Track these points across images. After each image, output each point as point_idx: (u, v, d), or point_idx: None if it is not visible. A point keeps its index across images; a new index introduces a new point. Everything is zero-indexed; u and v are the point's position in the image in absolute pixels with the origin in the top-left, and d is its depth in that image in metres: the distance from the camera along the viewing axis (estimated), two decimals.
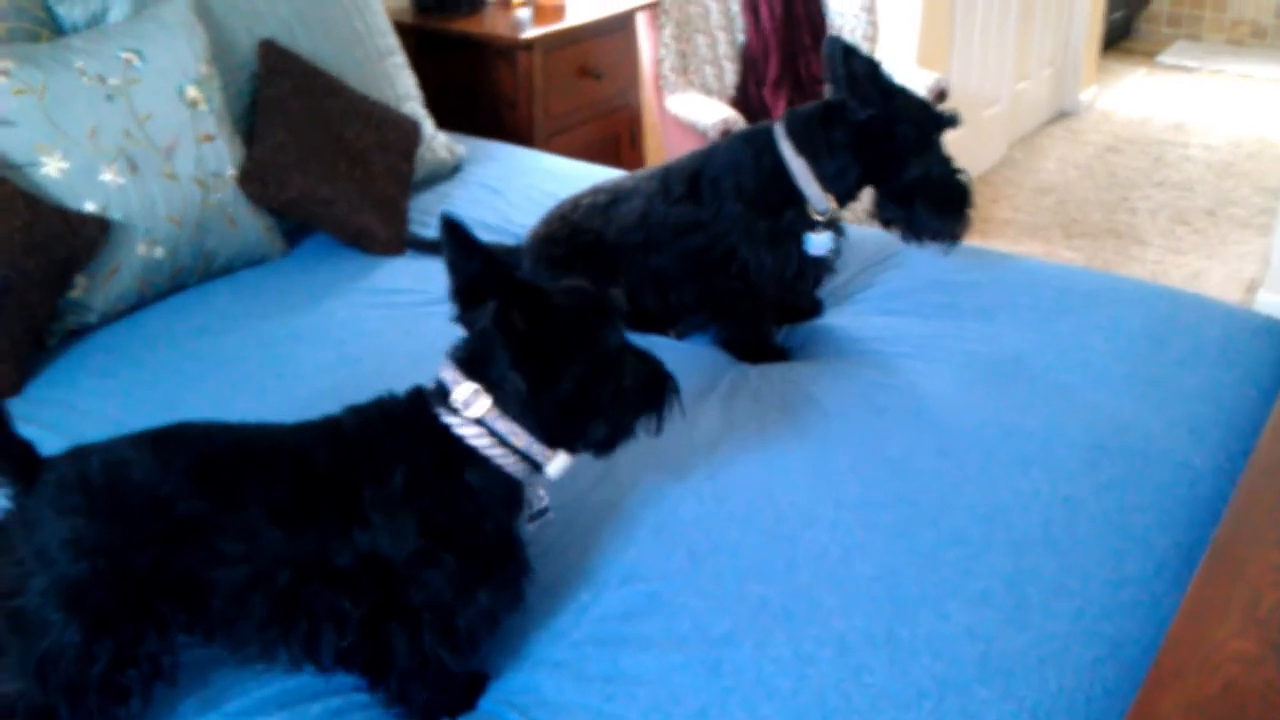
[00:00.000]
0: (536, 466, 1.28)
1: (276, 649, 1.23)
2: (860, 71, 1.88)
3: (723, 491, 1.56)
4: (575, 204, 2.12)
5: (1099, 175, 4.88)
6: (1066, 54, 5.52)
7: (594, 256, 2.04)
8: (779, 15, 3.61)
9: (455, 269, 1.24)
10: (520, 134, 3.13)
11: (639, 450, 1.41)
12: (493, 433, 1.23)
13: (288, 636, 1.22)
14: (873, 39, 3.67)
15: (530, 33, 3.08)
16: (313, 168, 2.30)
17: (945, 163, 1.97)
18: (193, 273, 2.17)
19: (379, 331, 2.00)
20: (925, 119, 1.94)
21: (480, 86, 3.18)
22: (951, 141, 1.98)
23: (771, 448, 1.66)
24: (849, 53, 1.89)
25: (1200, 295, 2.22)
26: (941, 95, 3.52)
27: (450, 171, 2.72)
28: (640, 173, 2.16)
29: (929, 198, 1.95)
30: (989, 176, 4.79)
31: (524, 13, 3.26)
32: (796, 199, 1.96)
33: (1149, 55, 6.57)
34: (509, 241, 2.24)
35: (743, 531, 1.49)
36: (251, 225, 2.23)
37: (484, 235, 2.29)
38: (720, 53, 3.59)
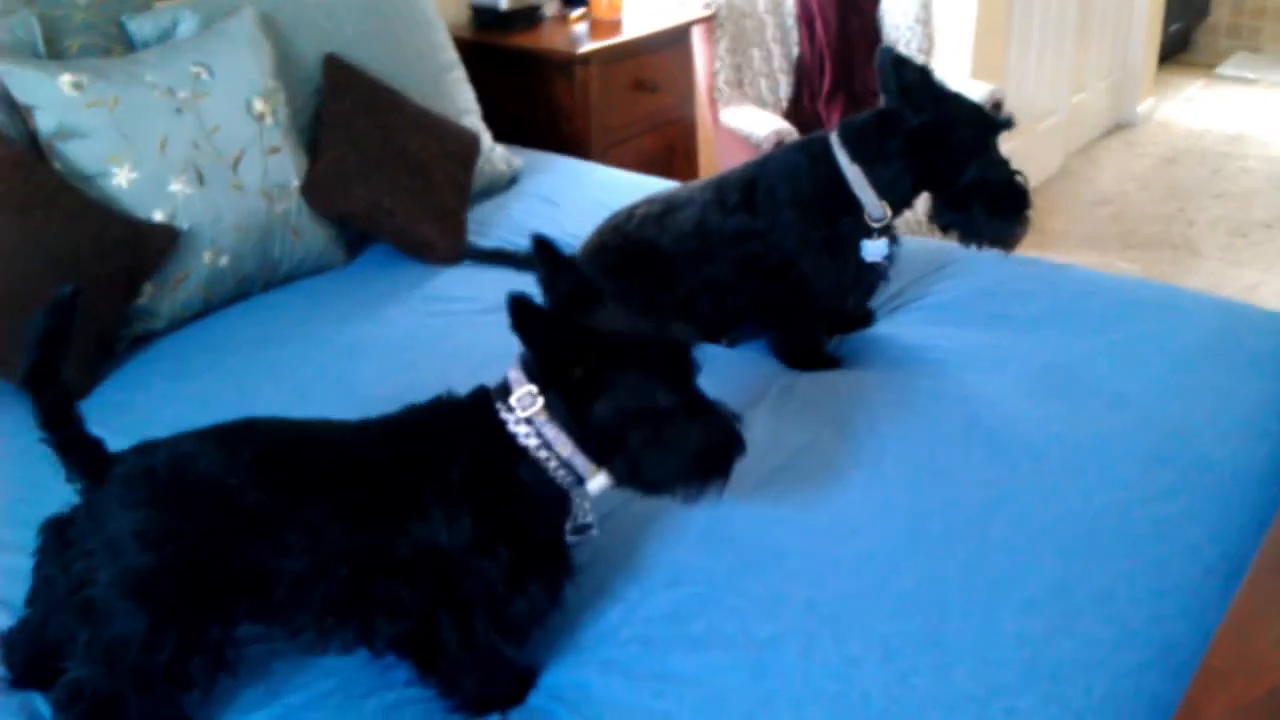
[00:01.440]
0: (579, 478, 1.30)
1: (333, 635, 1.27)
2: (912, 79, 1.90)
3: (771, 496, 1.58)
4: (630, 214, 2.15)
5: (1156, 187, 4.84)
6: (1124, 66, 5.48)
7: (648, 265, 2.07)
8: (833, 29, 3.63)
9: (548, 287, 1.30)
10: (577, 147, 3.17)
11: None
12: (540, 435, 1.27)
13: (344, 624, 1.26)
14: (928, 51, 3.67)
15: (587, 47, 3.12)
16: (374, 179, 2.35)
17: (1002, 165, 1.98)
18: (257, 281, 2.23)
19: (436, 339, 2.04)
20: (979, 122, 1.95)
21: (538, 100, 3.23)
22: (1008, 152, 1.99)
23: (821, 455, 1.68)
24: (900, 62, 1.91)
25: (1256, 306, 2.21)
26: (997, 106, 3.52)
27: (508, 183, 2.77)
28: (695, 183, 2.19)
29: (986, 200, 1.96)
30: (1045, 188, 4.77)
31: (581, 28, 3.30)
32: (852, 207, 1.98)
33: (1208, 67, 6.50)
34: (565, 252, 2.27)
35: (791, 536, 1.51)
36: (315, 235, 2.29)
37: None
38: (775, 66, 3.61)
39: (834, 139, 1.99)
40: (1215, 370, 1.90)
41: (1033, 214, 1.99)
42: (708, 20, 3.39)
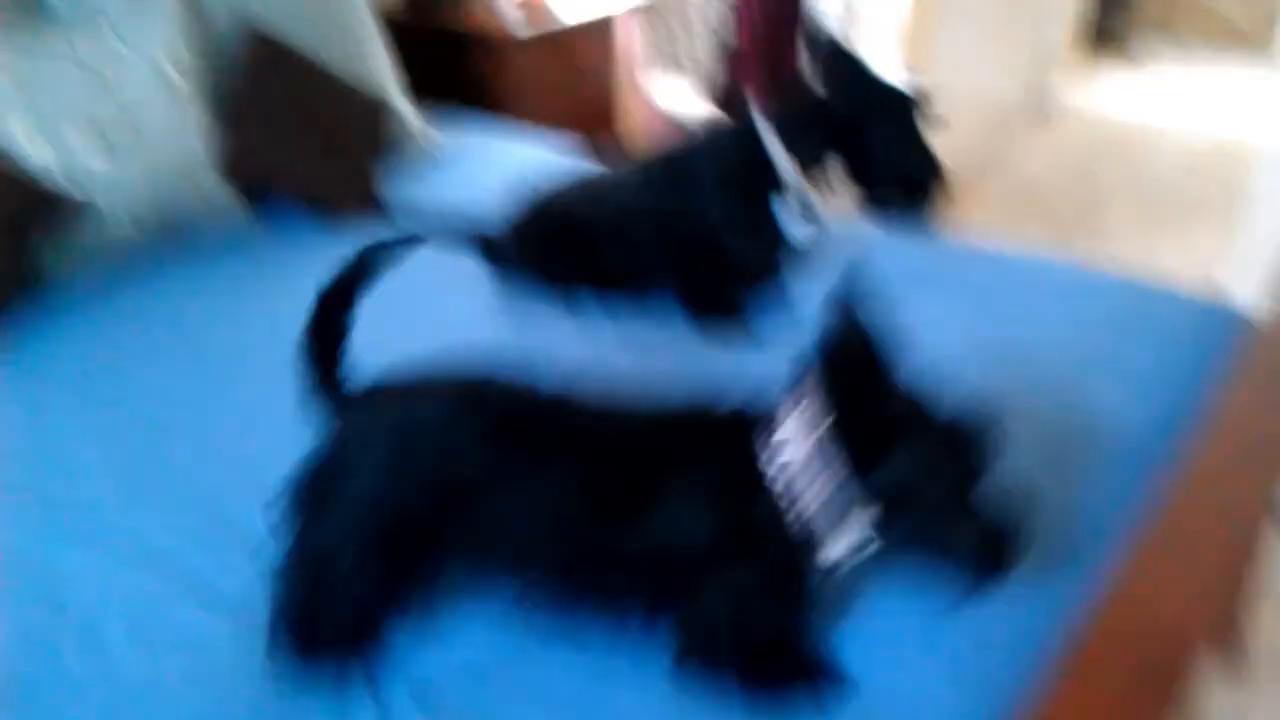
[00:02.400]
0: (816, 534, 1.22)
1: (554, 609, 1.27)
2: (833, 63, 1.95)
3: None
4: (555, 193, 2.17)
5: (1074, 174, 4.96)
6: (1047, 53, 5.59)
7: (571, 243, 2.09)
8: (763, 14, 3.68)
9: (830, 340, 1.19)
10: (497, 110, 3.19)
11: None
12: (789, 487, 1.20)
13: (567, 605, 1.25)
14: (854, 36, 3.74)
15: (519, 29, 3.14)
16: (289, 148, 2.38)
17: (922, 149, 2.01)
18: (167, 250, 2.23)
19: None
20: (902, 107, 1.99)
21: (467, 81, 3.24)
22: (930, 138, 2.03)
23: None
24: (823, 45, 1.95)
25: (1165, 286, 2.28)
26: (922, 92, 3.59)
27: (430, 157, 2.78)
28: (621, 162, 2.22)
29: (905, 183, 2.00)
30: (966, 173, 4.84)
31: (513, 10, 3.32)
32: (777, 187, 2.01)
33: (1128, 56, 6.65)
34: (486, 230, 2.28)
35: None
36: (227, 204, 2.30)
37: (461, 223, 2.36)
38: (704, 50, 3.66)
39: (760, 120, 2.03)
40: (1120, 346, 1.96)
41: (951, 198, 2.03)
42: (639, 5, 3.42)
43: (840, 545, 1.21)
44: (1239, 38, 6.68)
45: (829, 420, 1.16)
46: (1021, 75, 5.42)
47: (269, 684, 1.26)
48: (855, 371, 1.16)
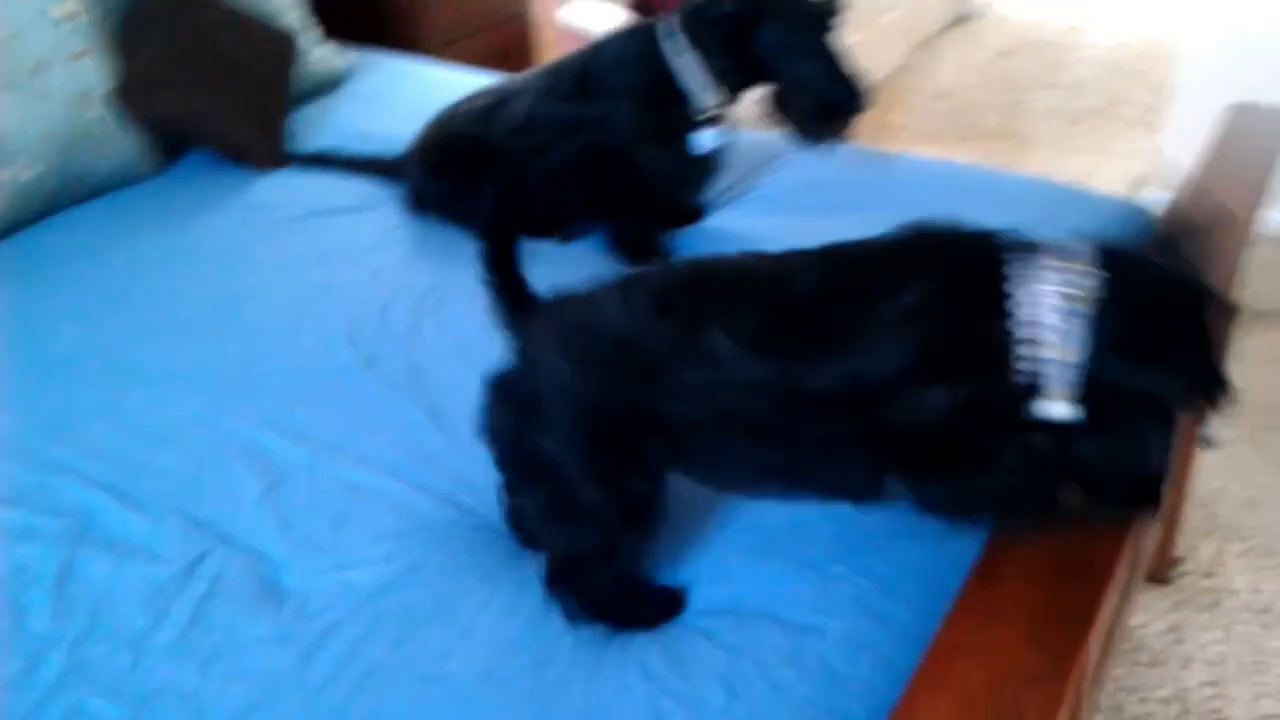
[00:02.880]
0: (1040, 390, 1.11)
1: (768, 479, 1.22)
2: None
3: None
4: (456, 109, 2.10)
5: (994, 78, 4.93)
6: None
7: (477, 161, 2.03)
8: None
9: None
10: (410, 45, 3.08)
11: None
12: (1055, 330, 1.07)
13: (773, 465, 1.19)
14: None
15: None
16: (189, 82, 2.26)
17: (831, 61, 1.92)
18: (67, 193, 2.12)
19: (257, 245, 1.99)
20: (806, 14, 1.89)
21: (378, 17, 3.13)
22: (849, 46, 1.95)
23: None
24: None
25: (1083, 189, 2.26)
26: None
27: (335, 84, 2.68)
28: (524, 74, 2.14)
29: (814, 95, 1.92)
30: (887, 82, 4.81)
31: None
32: (682, 96, 1.95)
33: None
34: (391, 154, 2.21)
35: None
36: (127, 143, 2.20)
37: (368, 148, 2.29)
38: None
39: (662, 27, 1.95)
40: None
41: (862, 115, 1.95)
42: None
43: (1059, 408, 1.09)
44: None
45: (1103, 295, 1.07)
46: None
47: None
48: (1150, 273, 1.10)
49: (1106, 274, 1.08)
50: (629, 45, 1.99)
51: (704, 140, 1.99)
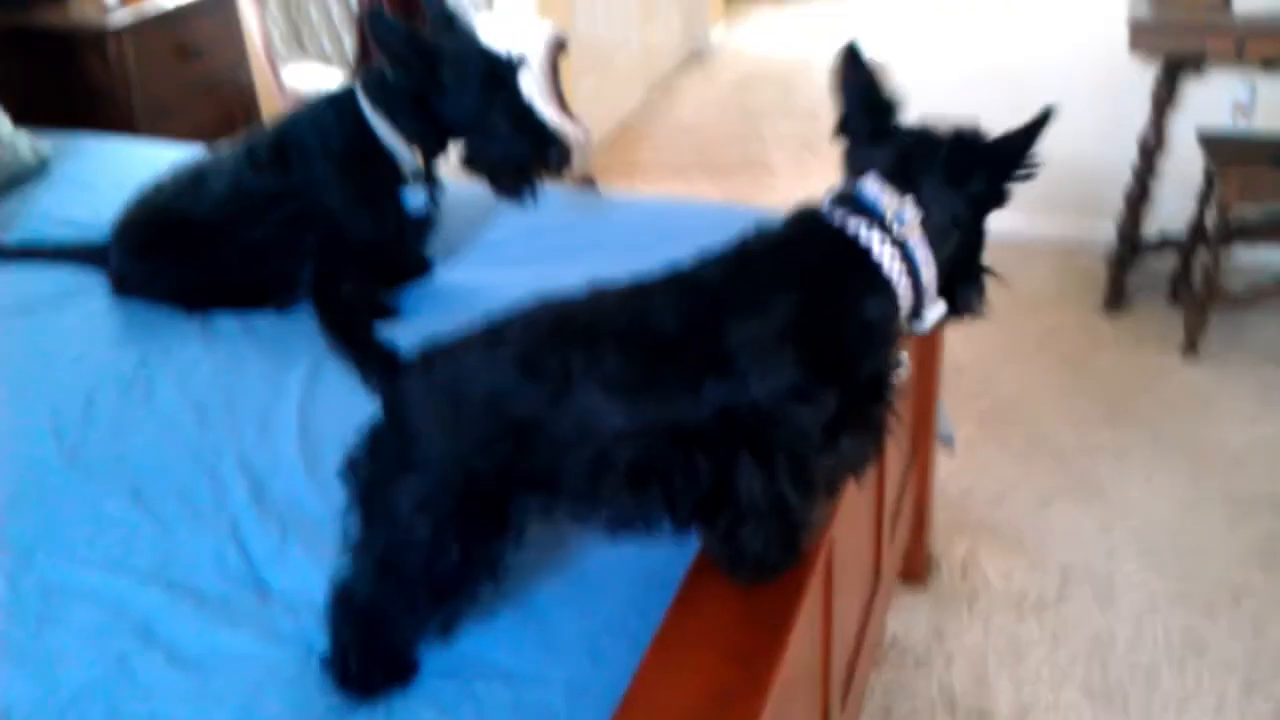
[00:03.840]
0: (918, 311, 1.19)
1: (632, 517, 1.17)
2: (389, 39, 1.84)
3: None
4: (158, 186, 2.03)
5: (732, 111, 5.09)
6: (699, 3, 5.71)
7: (182, 238, 1.97)
8: None
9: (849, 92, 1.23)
10: (120, 124, 2.98)
11: None
12: (908, 259, 1.13)
13: (642, 503, 1.15)
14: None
15: (118, 17, 2.93)
16: None
17: (514, 117, 1.92)
18: None
19: None
20: (479, 76, 1.89)
21: (69, 80, 3.01)
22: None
23: None
24: (379, 22, 1.84)
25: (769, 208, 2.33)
26: (561, 45, 3.57)
27: (35, 172, 2.55)
28: (224, 147, 2.09)
29: (497, 154, 1.94)
30: (629, 120, 4.91)
31: None
32: (384, 157, 1.94)
33: None
34: (97, 239, 2.12)
35: None
36: None
37: (73, 232, 2.19)
38: (335, 20, 3.51)
39: (359, 89, 1.94)
40: None
41: (554, 161, 1.95)
42: None
43: (934, 313, 1.21)
44: None
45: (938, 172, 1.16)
46: (671, 17, 5.51)
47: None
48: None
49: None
50: (326, 111, 1.96)
51: (412, 198, 1.98)
